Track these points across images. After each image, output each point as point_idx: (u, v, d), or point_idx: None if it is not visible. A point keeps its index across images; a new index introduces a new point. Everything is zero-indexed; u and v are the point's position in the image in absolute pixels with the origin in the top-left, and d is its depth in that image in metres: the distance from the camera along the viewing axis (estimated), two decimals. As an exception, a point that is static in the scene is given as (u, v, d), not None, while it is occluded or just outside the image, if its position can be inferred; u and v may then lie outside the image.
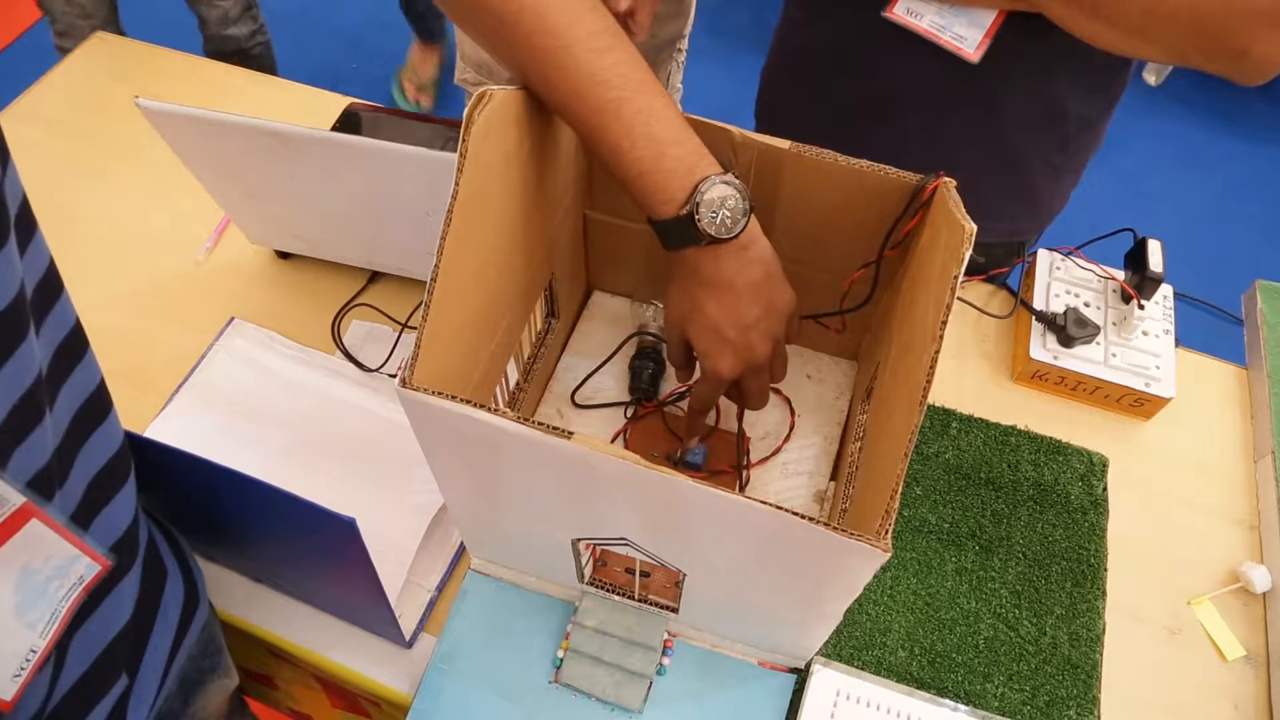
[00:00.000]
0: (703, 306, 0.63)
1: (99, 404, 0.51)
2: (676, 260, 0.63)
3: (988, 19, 0.78)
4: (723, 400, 0.82)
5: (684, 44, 1.43)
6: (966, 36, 0.78)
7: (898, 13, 0.80)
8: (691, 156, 0.59)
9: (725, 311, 0.63)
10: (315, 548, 0.61)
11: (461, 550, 0.76)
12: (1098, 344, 0.85)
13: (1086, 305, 0.87)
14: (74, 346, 0.49)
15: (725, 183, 0.58)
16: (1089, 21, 0.71)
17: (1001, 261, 1.04)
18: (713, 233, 0.59)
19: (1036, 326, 0.86)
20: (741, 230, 0.60)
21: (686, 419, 0.76)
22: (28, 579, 0.46)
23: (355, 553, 0.55)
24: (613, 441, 0.82)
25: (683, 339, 0.67)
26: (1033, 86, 0.84)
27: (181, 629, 0.63)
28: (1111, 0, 0.69)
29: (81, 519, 0.49)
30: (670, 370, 0.85)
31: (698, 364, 0.68)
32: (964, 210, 0.55)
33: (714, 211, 0.58)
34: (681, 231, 0.59)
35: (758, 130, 1.09)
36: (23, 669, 0.46)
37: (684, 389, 0.83)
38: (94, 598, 0.52)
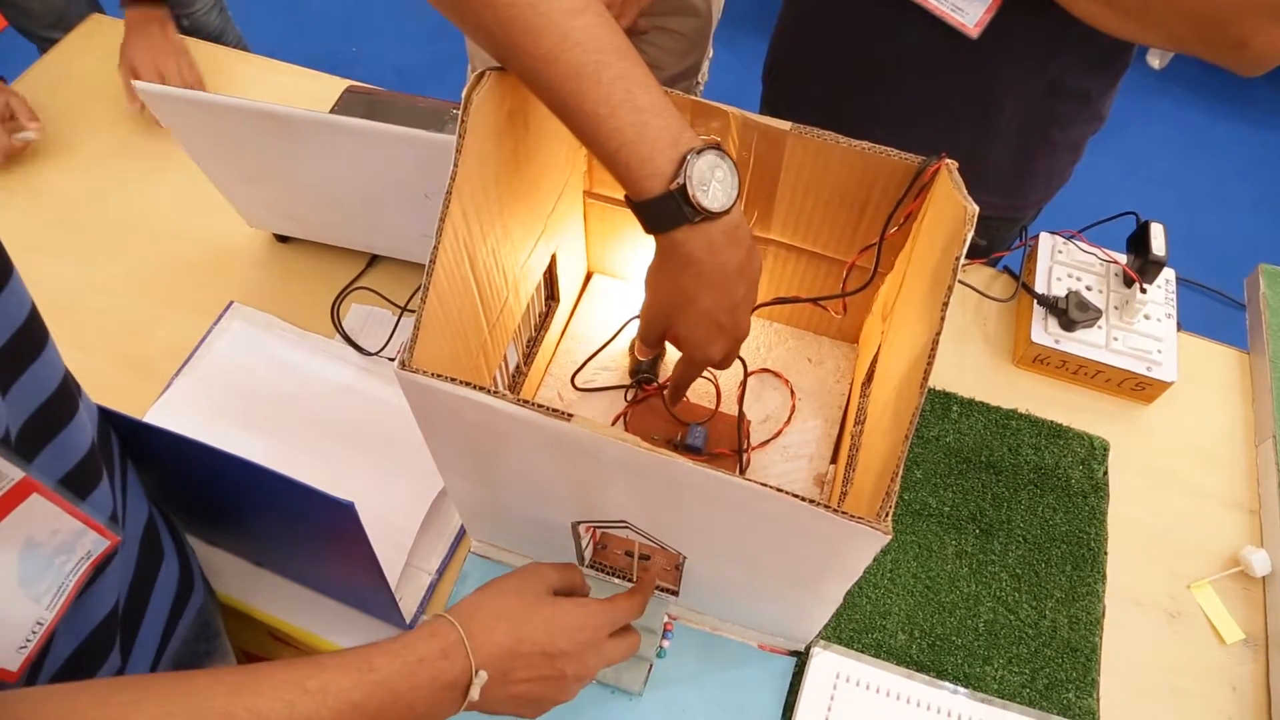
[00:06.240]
0: (696, 298, 0.59)
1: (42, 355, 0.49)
2: (663, 244, 0.58)
3: None
4: (723, 384, 0.82)
5: (704, 74, 1.41)
6: (967, 10, 0.78)
7: None
8: (675, 127, 0.54)
9: (719, 299, 0.59)
10: (314, 532, 0.61)
11: (462, 533, 0.76)
12: (1099, 328, 0.85)
13: (1088, 289, 0.86)
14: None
15: (713, 152, 0.54)
16: (1088, 2, 0.71)
17: (1001, 239, 1.04)
18: (706, 205, 0.54)
19: (1038, 310, 0.86)
20: (733, 204, 0.56)
21: (671, 398, 0.72)
22: (31, 552, 0.46)
23: (354, 536, 0.54)
24: (613, 424, 0.81)
25: (665, 326, 0.63)
26: (1031, 61, 0.83)
27: (175, 611, 0.63)
28: None
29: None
30: (671, 354, 0.85)
31: (671, 345, 0.65)
32: (965, 191, 0.55)
33: (704, 184, 0.54)
34: (670, 209, 0.55)
35: (765, 93, 1.08)
36: (28, 641, 0.46)
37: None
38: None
